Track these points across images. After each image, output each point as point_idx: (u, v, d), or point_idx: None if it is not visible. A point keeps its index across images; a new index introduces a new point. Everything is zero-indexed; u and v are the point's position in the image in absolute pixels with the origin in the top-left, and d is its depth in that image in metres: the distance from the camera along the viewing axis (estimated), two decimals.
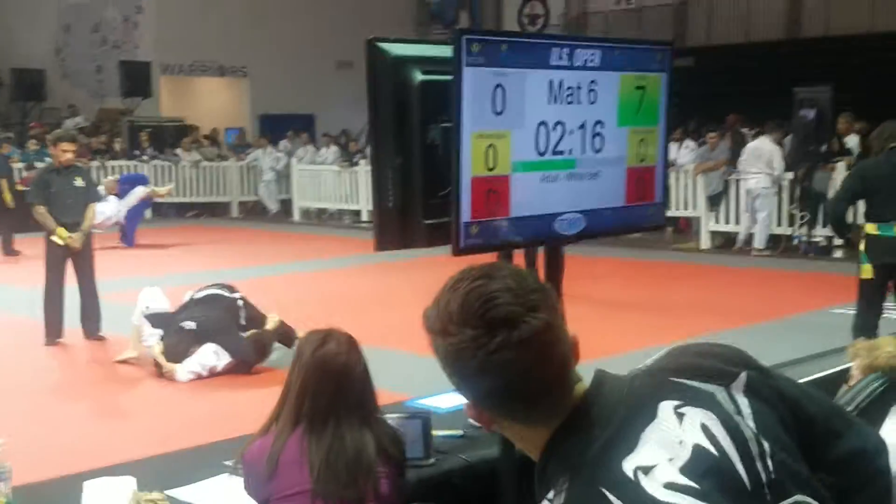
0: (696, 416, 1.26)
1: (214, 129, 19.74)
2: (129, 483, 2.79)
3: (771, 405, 1.32)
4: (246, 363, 6.48)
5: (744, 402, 1.30)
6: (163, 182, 16.33)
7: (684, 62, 16.91)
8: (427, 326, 1.30)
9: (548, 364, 1.25)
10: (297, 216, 17.69)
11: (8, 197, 12.52)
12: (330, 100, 20.94)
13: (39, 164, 15.19)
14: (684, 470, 1.21)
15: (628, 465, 1.21)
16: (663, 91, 3.18)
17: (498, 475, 2.82)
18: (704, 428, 1.25)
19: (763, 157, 11.98)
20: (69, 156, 7.47)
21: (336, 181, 17.18)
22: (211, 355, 6.42)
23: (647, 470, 1.21)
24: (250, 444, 2.55)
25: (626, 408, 1.27)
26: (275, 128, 19.47)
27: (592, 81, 2.91)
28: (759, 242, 12.24)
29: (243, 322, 6.65)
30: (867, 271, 5.75)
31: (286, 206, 18.08)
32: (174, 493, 2.75)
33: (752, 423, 1.28)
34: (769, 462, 1.25)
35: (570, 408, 1.28)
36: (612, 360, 2.76)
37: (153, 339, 6.54)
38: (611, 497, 1.19)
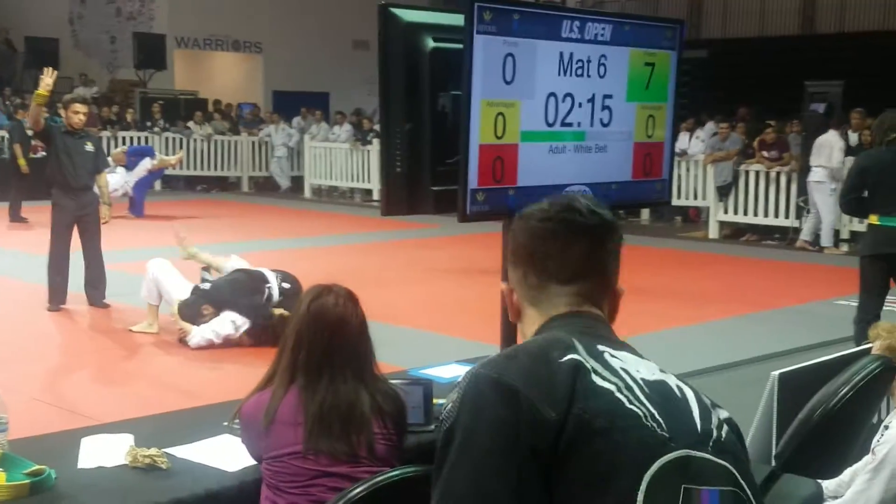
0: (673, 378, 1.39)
1: (227, 104, 19.74)
2: (126, 439, 2.82)
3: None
4: (259, 326, 6.41)
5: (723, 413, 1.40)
6: (174, 154, 16.36)
7: (698, 54, 16.87)
8: (516, 220, 1.47)
9: (611, 259, 1.45)
10: (307, 193, 17.70)
11: (22, 162, 12.55)
12: (345, 79, 20.94)
13: None
14: (646, 382, 1.32)
15: (602, 348, 1.35)
16: (672, 69, 3.18)
17: None
18: (679, 382, 1.38)
19: (824, 150, 11.45)
20: (81, 117, 7.43)
21: (348, 159, 17.18)
22: (228, 324, 6.36)
23: (615, 356, 1.34)
24: (248, 399, 2.55)
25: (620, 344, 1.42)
26: (288, 104, 19.46)
27: (602, 55, 2.91)
28: (824, 240, 11.67)
29: (265, 300, 6.51)
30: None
31: (297, 182, 18.10)
32: (172, 450, 2.77)
33: (720, 413, 1.38)
34: (722, 432, 1.34)
35: (578, 309, 1.43)
36: None
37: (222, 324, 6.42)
38: (574, 340, 1.33)
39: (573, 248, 1.42)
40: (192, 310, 6.40)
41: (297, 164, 18.23)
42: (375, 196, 16.76)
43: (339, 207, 16.34)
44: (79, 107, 7.46)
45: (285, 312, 6.28)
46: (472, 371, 1.30)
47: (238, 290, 6.48)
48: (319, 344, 2.45)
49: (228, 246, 10.73)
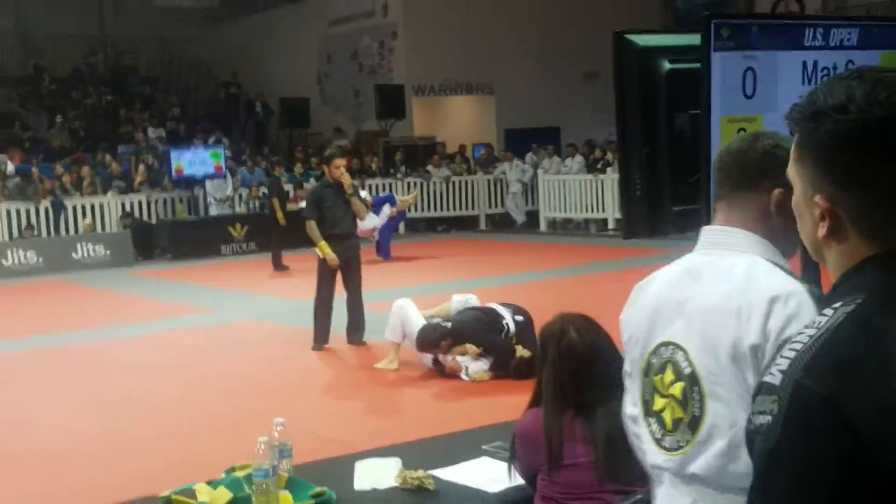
0: None
1: (462, 146, 20.42)
2: (395, 462, 3.00)
3: None
4: (501, 363, 6.61)
5: None
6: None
7: None
8: (812, 102, 1.15)
9: None
10: (543, 226, 17.91)
11: (280, 215, 13.58)
12: (575, 111, 21.05)
13: (306, 185, 16.48)
14: None
15: None
16: None
17: None
18: None
19: None
20: (342, 171, 7.97)
21: (581, 190, 17.24)
22: (481, 363, 6.67)
23: None
24: (522, 417, 2.64)
25: None
26: (520, 141, 19.83)
27: (850, 61, 2.79)
28: None
29: (504, 336, 6.70)
30: None
31: (532, 217, 18.36)
32: (436, 472, 2.91)
33: None
34: None
35: None
36: None
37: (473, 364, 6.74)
38: None
39: None
40: (431, 339, 6.63)
41: (532, 199, 18.52)
42: (611, 225, 16.68)
43: (575, 239, 16.39)
44: (339, 161, 8.00)
45: (526, 353, 6.43)
46: (793, 377, 1.06)
47: (479, 328, 6.68)
48: (581, 380, 2.51)
49: (466, 283, 11.08)
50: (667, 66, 2.76)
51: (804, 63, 2.69)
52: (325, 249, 7.89)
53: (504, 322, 6.70)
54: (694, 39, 2.68)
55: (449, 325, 6.73)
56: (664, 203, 2.76)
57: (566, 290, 10.45)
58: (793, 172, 1.20)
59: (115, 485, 4.82)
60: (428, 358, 6.88)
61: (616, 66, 2.75)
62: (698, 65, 2.60)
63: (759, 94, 2.62)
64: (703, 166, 2.57)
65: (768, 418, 1.07)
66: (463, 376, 6.63)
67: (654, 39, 2.82)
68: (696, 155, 2.64)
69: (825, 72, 2.73)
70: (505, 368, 6.60)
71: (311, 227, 7.94)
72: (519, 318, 6.77)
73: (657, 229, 2.84)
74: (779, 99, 2.67)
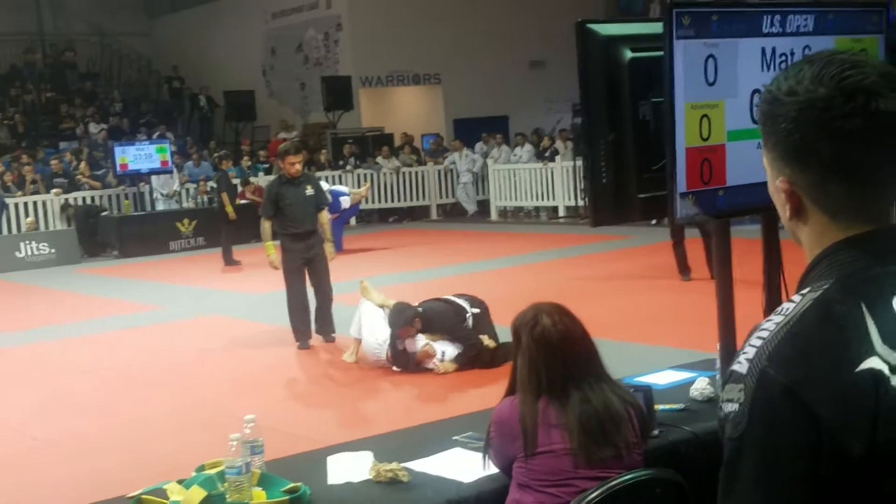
0: None
1: (410, 136, 20.39)
2: (367, 456, 2.99)
3: None
4: (468, 352, 6.64)
5: None
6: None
7: None
8: (769, 91, 1.18)
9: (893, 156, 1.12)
10: (494, 215, 17.98)
11: (230, 209, 13.45)
12: (523, 100, 21.14)
13: (253, 179, 16.31)
14: None
15: None
16: (880, 53, 3.08)
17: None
18: None
19: None
20: (297, 167, 7.66)
21: (531, 178, 17.34)
22: (439, 352, 6.67)
23: None
24: (498, 405, 2.66)
25: None
26: (469, 131, 19.87)
27: (806, 47, 2.86)
28: None
29: (471, 327, 6.73)
30: None
31: (483, 206, 18.43)
32: (409, 465, 2.91)
33: None
34: None
35: (877, 223, 1.15)
36: None
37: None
38: (866, 314, 1.08)
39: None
40: (402, 318, 6.60)
41: (482, 188, 18.58)
42: (561, 213, 16.81)
43: (526, 227, 16.49)
44: (293, 158, 7.65)
45: (491, 343, 6.49)
46: (759, 366, 1.08)
47: (448, 317, 6.70)
48: (555, 366, 2.54)
49: (421, 273, 11.09)
50: (629, 54, 2.79)
51: (763, 49, 2.75)
52: (269, 251, 7.70)
53: (467, 315, 6.74)
54: (655, 28, 2.71)
55: (421, 308, 6.74)
56: (630, 190, 2.80)
57: (520, 277, 10.52)
58: (764, 161, 1.23)
59: (79, 486, 4.74)
60: (381, 353, 6.80)
61: (579, 55, 2.78)
62: (660, 53, 2.63)
63: (721, 81, 2.67)
64: (669, 154, 2.61)
65: (735, 406, 1.09)
66: (435, 362, 6.62)
67: (616, 28, 2.85)
68: (660, 142, 2.68)
69: (783, 58, 2.79)
70: (472, 360, 6.63)
71: (265, 226, 7.72)
72: (476, 310, 6.80)
73: (623, 216, 2.89)
74: (739, 85, 2.73)
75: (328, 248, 7.77)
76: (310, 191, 7.73)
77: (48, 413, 6.44)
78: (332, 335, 7.83)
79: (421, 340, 6.68)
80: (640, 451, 2.61)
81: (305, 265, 7.70)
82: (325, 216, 7.91)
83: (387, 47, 20.37)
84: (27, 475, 5.22)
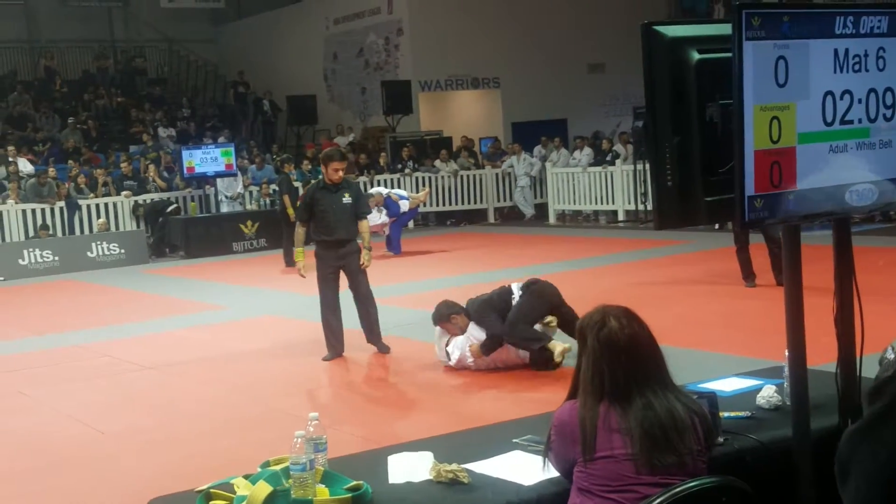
0: None
1: (468, 139, 20.42)
2: (428, 457, 3.00)
3: None
4: (489, 344, 6.71)
5: None
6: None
7: None
8: None
9: None
10: (552, 219, 17.91)
11: (291, 212, 13.60)
12: (581, 103, 21.04)
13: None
14: None
15: None
16: None
17: (791, 455, 2.77)
18: None
19: None
20: (340, 174, 7.49)
21: (590, 182, 17.23)
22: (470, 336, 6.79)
23: None
24: (559, 408, 2.64)
25: None
26: (527, 134, 19.84)
27: (881, 48, 2.79)
28: None
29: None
30: None
31: (541, 209, 18.36)
32: (469, 466, 2.91)
33: None
34: None
35: None
36: None
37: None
38: None
39: None
40: (442, 313, 6.84)
41: (541, 192, 18.52)
42: (621, 217, 16.67)
43: (585, 231, 16.38)
44: (337, 164, 7.50)
45: (559, 346, 6.66)
46: None
47: (483, 308, 6.80)
48: (619, 369, 2.51)
49: (479, 276, 11.08)
50: (696, 56, 2.76)
51: (835, 51, 2.69)
52: (298, 258, 7.62)
53: (512, 298, 6.83)
54: (723, 29, 2.68)
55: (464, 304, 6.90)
56: (696, 193, 2.76)
57: (579, 282, 10.45)
58: None
59: (146, 479, 4.84)
60: (442, 353, 6.90)
61: (645, 56, 2.75)
62: (728, 54, 2.60)
63: (792, 83, 2.62)
64: (737, 156, 2.57)
65: None
66: (470, 350, 6.72)
67: (684, 30, 2.82)
68: (728, 145, 2.64)
69: (856, 59, 2.73)
70: (496, 351, 6.71)
71: (298, 231, 7.65)
72: (520, 293, 6.87)
73: (689, 219, 2.84)
74: (811, 87, 2.67)
75: (364, 255, 7.53)
76: (347, 199, 7.53)
77: (115, 408, 6.60)
78: (387, 348, 7.64)
79: (459, 339, 6.76)
80: (704, 458, 2.57)
81: (337, 271, 7.56)
82: (366, 225, 7.70)
83: (446, 52, 20.45)
84: (96, 469, 5.35)
